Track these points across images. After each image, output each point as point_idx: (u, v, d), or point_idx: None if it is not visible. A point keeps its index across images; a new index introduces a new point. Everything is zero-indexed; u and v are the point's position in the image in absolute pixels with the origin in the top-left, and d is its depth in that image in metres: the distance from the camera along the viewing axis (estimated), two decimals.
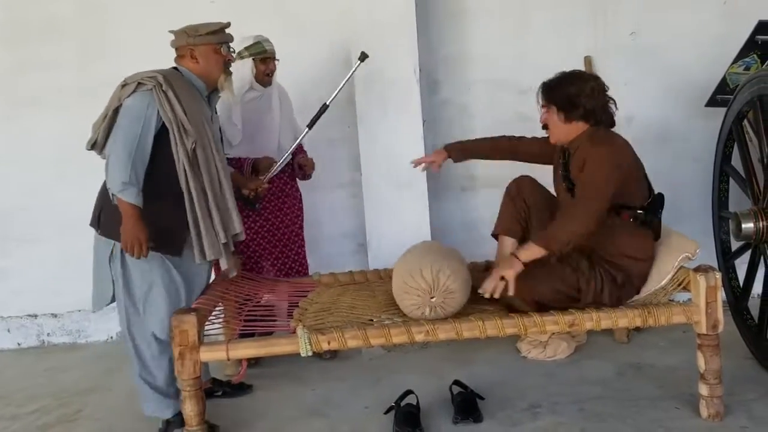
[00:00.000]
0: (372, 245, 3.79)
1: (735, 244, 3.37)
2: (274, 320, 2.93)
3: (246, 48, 3.31)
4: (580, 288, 2.65)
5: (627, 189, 2.64)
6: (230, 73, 2.87)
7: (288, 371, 3.38)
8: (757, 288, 3.16)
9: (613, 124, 2.76)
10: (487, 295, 2.62)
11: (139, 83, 2.65)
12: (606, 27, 4.00)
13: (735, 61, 3.48)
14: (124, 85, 2.68)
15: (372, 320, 2.69)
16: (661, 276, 2.74)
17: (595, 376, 3.13)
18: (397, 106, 3.70)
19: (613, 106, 2.74)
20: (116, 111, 2.67)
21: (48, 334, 4.20)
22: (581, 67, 3.98)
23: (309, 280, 3.34)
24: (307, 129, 3.31)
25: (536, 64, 3.98)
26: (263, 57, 3.33)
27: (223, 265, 2.81)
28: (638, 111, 4.01)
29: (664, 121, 4.03)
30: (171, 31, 2.83)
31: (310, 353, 2.52)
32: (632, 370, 3.16)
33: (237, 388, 3.17)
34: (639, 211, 2.66)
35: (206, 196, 2.71)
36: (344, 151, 4.02)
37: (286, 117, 3.50)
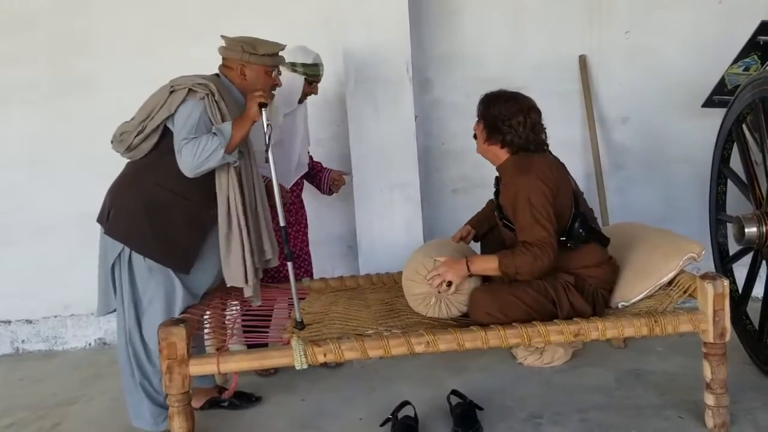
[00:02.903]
0: (362, 248, 3.69)
1: (733, 248, 3.33)
2: (266, 331, 2.79)
3: (302, 65, 3.16)
4: (555, 301, 2.59)
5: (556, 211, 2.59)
6: (273, 96, 2.80)
7: (275, 380, 3.26)
8: (757, 291, 3.12)
9: (540, 149, 2.70)
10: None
11: (190, 90, 2.54)
12: (601, 26, 3.93)
13: (735, 61, 3.42)
14: (172, 91, 2.56)
15: (369, 332, 2.58)
16: (661, 274, 2.67)
17: (594, 383, 3.05)
18: (388, 104, 3.60)
19: (543, 135, 2.70)
20: (164, 117, 2.57)
21: (22, 341, 4.02)
22: (575, 67, 3.93)
23: (299, 287, 3.20)
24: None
25: (530, 63, 3.94)
26: (315, 80, 3.22)
27: (247, 292, 2.71)
28: (633, 111, 3.97)
29: (658, 121, 3.97)
30: (223, 37, 2.71)
31: (305, 366, 2.41)
32: (632, 377, 3.09)
33: (243, 399, 3.03)
34: (562, 239, 2.61)
35: (246, 217, 2.64)
36: (334, 151, 3.90)
37: (305, 133, 3.39)
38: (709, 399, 2.56)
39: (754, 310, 3.08)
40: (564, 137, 3.59)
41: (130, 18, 3.84)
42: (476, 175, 3.97)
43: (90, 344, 4.00)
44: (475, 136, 2.79)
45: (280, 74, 2.79)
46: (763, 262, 3.00)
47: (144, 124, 2.58)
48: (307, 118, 3.41)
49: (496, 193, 2.81)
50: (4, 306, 3.99)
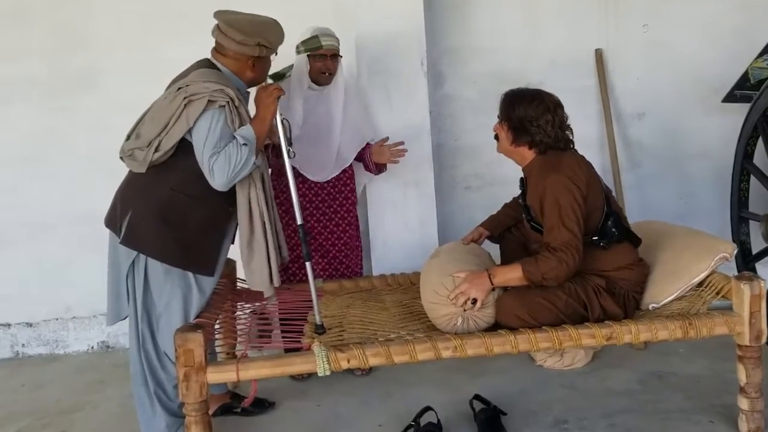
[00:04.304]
0: (376, 247, 3.59)
1: (756, 246, 3.26)
2: (287, 336, 2.69)
3: (303, 42, 3.04)
4: (586, 304, 2.50)
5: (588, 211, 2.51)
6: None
7: (288, 384, 3.16)
8: None
9: (567, 147, 2.61)
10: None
11: (209, 101, 2.38)
12: (618, 19, 3.83)
13: (760, 55, 3.34)
14: (188, 102, 2.38)
15: (392, 337, 2.48)
16: (693, 274, 2.59)
17: (618, 386, 2.97)
18: (402, 99, 3.50)
19: (569, 134, 2.62)
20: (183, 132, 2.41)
21: (23, 345, 3.87)
22: (592, 62, 3.84)
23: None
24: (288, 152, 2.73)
25: (545, 57, 3.86)
26: (318, 53, 3.05)
27: (268, 293, 2.61)
28: (650, 107, 3.88)
29: (676, 117, 3.89)
30: (226, 26, 2.48)
31: (328, 372, 2.31)
32: (655, 380, 3.02)
33: (257, 405, 2.92)
34: (594, 238, 2.52)
35: (269, 219, 2.54)
36: None
37: (350, 123, 3.19)
38: (744, 403, 2.49)
39: None
40: (580, 133, 3.43)
41: (131, 11, 3.70)
42: (490, 173, 3.89)
43: (93, 347, 3.88)
44: (496, 137, 2.68)
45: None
46: None
47: (160, 139, 2.41)
48: (360, 112, 3.24)
49: (523, 194, 2.70)
50: (3, 308, 3.84)
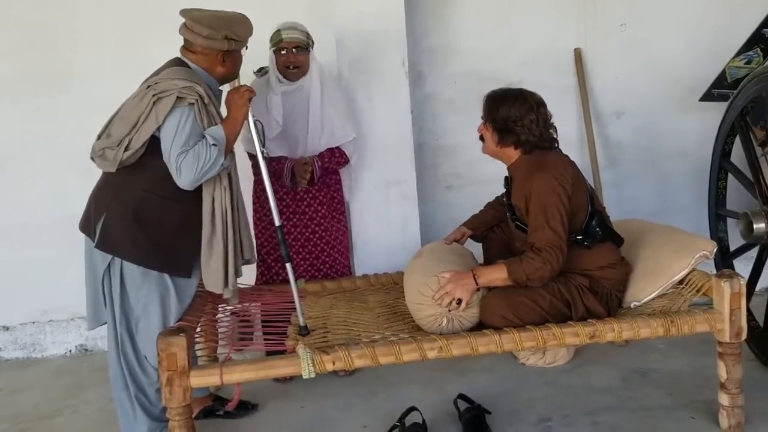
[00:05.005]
0: (358, 247, 3.58)
1: (734, 243, 3.30)
2: (270, 338, 2.66)
3: (270, 38, 3.04)
4: (569, 303, 2.52)
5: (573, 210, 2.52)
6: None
7: (271, 386, 3.12)
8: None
9: (552, 146, 2.63)
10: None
11: (178, 98, 2.34)
12: (596, 18, 3.86)
13: (737, 54, 3.38)
14: (157, 99, 2.35)
15: (376, 338, 2.48)
16: (673, 272, 2.62)
17: (600, 383, 3.00)
18: (384, 99, 3.50)
19: (553, 132, 2.64)
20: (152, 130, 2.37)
21: None
22: (571, 61, 3.86)
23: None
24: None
25: (524, 57, 3.88)
26: (281, 47, 3.04)
27: (227, 294, 2.58)
28: (628, 106, 3.92)
29: (653, 116, 3.93)
30: (193, 22, 2.46)
31: (312, 375, 2.30)
32: (637, 376, 3.05)
33: (240, 408, 2.89)
34: (578, 237, 2.55)
35: (234, 219, 2.51)
36: None
37: (327, 119, 3.16)
38: (724, 399, 2.52)
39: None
40: (560, 132, 3.44)
41: (110, 10, 3.64)
42: (471, 172, 3.90)
43: (71, 351, 3.82)
44: (481, 138, 2.68)
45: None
46: None
47: (130, 138, 2.37)
48: (338, 106, 3.18)
49: (508, 194, 2.71)
50: None
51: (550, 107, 2.66)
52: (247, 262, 2.74)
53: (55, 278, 3.66)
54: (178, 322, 2.47)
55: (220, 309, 2.93)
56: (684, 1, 3.86)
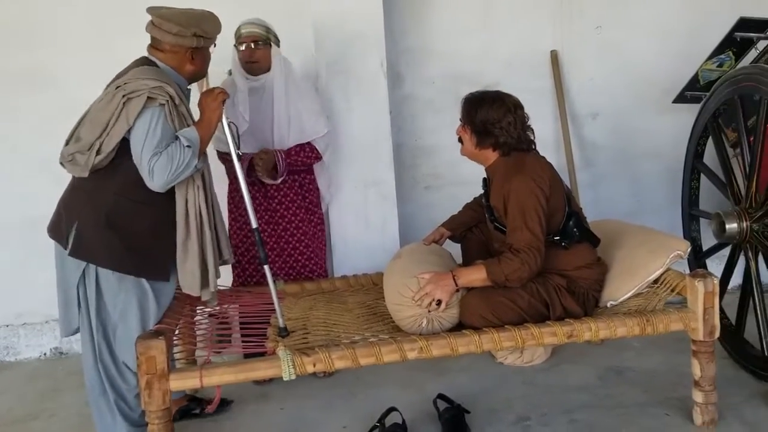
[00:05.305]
0: (337, 248, 3.58)
1: (707, 243, 3.36)
2: (249, 340, 2.65)
3: (234, 34, 3.04)
4: (547, 303, 2.55)
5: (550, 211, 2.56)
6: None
7: (250, 387, 3.11)
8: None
9: (529, 147, 2.66)
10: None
11: (149, 98, 2.30)
12: (572, 21, 3.90)
13: (710, 57, 3.44)
14: (127, 100, 2.30)
15: (356, 339, 2.49)
16: (648, 272, 2.66)
17: (577, 382, 3.03)
18: (362, 99, 3.50)
19: (531, 134, 2.67)
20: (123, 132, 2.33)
21: None
22: (547, 63, 3.90)
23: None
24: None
25: (501, 59, 3.91)
26: (241, 42, 3.05)
27: (205, 296, 2.55)
28: (603, 107, 3.97)
29: (628, 117, 3.98)
30: (160, 19, 2.43)
31: (293, 377, 2.29)
32: (613, 375, 3.09)
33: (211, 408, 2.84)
34: (556, 238, 2.58)
35: (210, 220, 2.48)
36: None
37: (294, 115, 3.13)
38: (698, 396, 2.57)
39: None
40: (536, 134, 3.53)
41: (82, 7, 3.59)
42: (449, 172, 3.91)
43: (45, 354, 3.77)
44: (460, 140, 2.70)
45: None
46: (741, 257, 3.04)
47: (101, 141, 2.32)
48: (304, 100, 3.14)
49: (486, 195, 2.73)
50: None
51: (527, 108, 2.68)
52: (225, 263, 2.71)
53: (28, 281, 3.61)
54: (156, 325, 2.45)
55: (198, 311, 2.91)
56: (658, 5, 3.92)
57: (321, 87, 3.49)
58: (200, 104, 2.50)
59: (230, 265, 3.24)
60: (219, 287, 3.07)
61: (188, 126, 2.41)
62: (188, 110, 2.46)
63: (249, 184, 3.08)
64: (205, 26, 2.45)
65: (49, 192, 2.61)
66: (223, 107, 2.49)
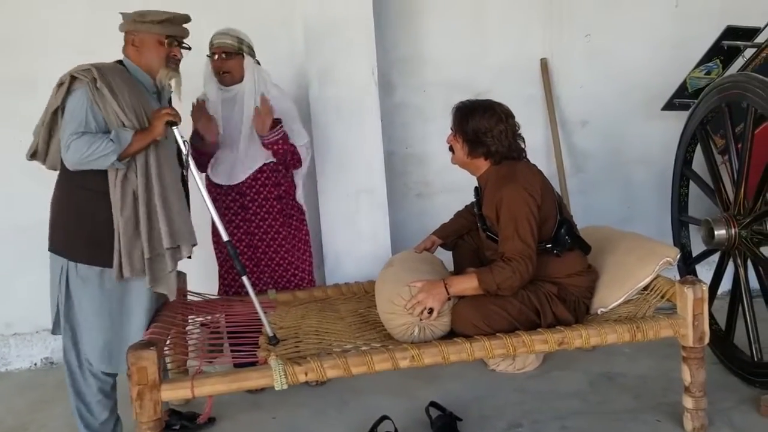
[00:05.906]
0: (329, 257, 3.58)
1: (696, 249, 3.38)
2: (240, 350, 2.65)
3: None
4: (538, 311, 2.56)
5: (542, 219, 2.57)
6: (173, 70, 2.57)
7: (241, 397, 3.10)
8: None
9: (520, 156, 2.68)
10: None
11: (73, 78, 2.38)
12: (561, 29, 3.93)
13: (698, 65, 3.48)
14: (60, 84, 2.41)
15: (348, 347, 2.49)
16: (638, 279, 2.67)
17: (568, 388, 3.05)
18: (354, 108, 3.50)
19: (522, 143, 2.68)
20: (55, 113, 2.43)
21: None
22: (537, 70, 3.92)
23: (265, 299, 3.06)
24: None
25: (492, 67, 3.93)
26: (212, 52, 3.06)
27: (148, 283, 2.49)
28: (593, 114, 4.00)
29: (618, 124, 4.01)
30: (121, 13, 2.55)
31: (285, 386, 2.30)
32: (604, 381, 3.10)
33: (192, 419, 2.86)
34: (548, 245, 2.59)
35: (138, 204, 2.45)
36: None
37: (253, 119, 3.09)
38: (688, 402, 2.58)
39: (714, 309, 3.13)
40: (527, 141, 3.54)
41: (69, 14, 3.58)
42: (440, 180, 3.93)
43: (36, 364, 3.75)
44: (451, 149, 2.71)
45: (182, 47, 2.60)
46: (730, 263, 3.06)
47: (44, 126, 2.45)
48: (256, 103, 3.06)
49: (478, 204, 2.74)
50: None
51: (519, 116, 2.70)
52: (176, 253, 2.56)
53: (18, 290, 3.60)
54: (147, 331, 2.45)
55: (189, 321, 2.90)
56: (646, 13, 3.95)
57: (312, 95, 3.49)
58: (150, 118, 2.48)
59: (218, 274, 3.25)
60: (210, 297, 3.11)
61: (119, 112, 2.40)
62: (124, 102, 2.41)
63: (224, 195, 3.11)
64: (145, 12, 2.51)
65: (40, 199, 2.63)
66: (168, 128, 2.46)
